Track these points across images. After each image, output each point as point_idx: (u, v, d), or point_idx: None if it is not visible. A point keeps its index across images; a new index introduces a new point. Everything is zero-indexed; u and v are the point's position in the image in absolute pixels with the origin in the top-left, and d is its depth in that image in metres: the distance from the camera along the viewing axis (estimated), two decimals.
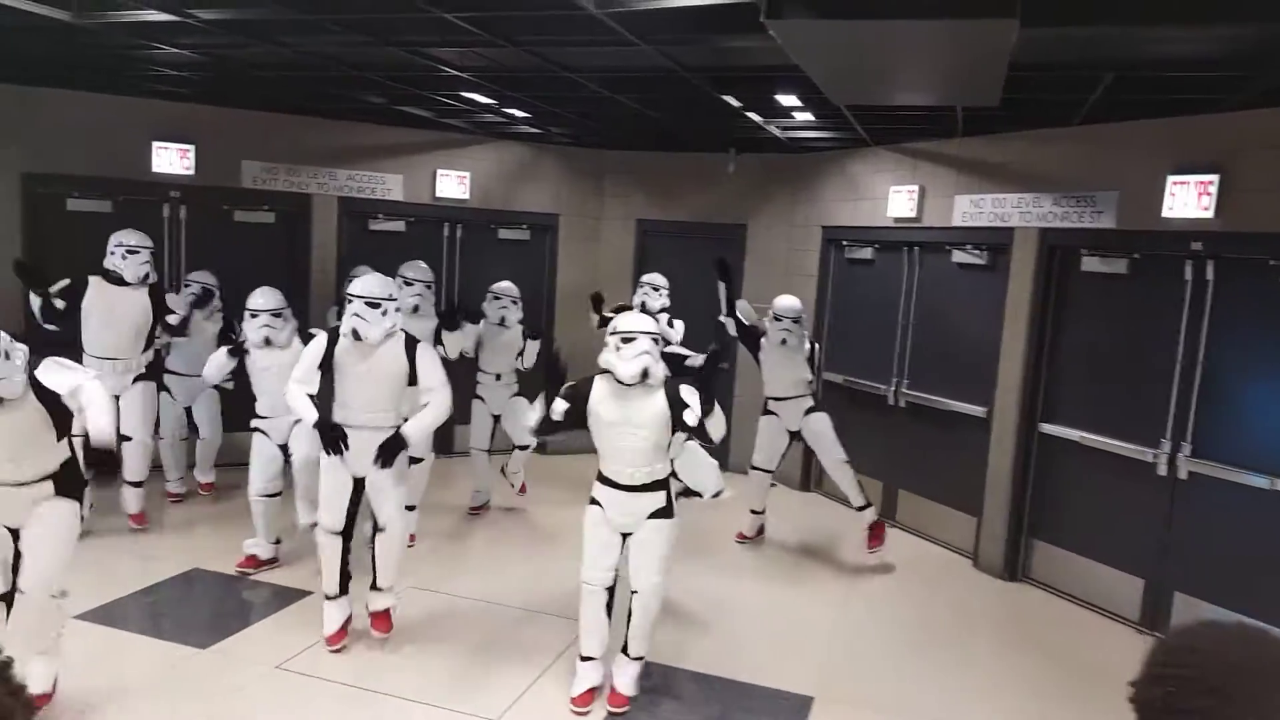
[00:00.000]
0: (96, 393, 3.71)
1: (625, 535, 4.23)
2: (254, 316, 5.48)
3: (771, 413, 6.41)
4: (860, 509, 6.27)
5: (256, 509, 5.52)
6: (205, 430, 6.68)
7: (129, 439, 5.95)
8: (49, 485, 3.71)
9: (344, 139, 7.81)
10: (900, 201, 6.90)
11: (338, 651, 4.60)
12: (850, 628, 5.36)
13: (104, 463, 3.77)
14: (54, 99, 6.78)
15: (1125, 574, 5.52)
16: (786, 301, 6.25)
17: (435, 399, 4.59)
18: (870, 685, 4.64)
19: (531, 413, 4.33)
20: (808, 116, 6.11)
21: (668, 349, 5.70)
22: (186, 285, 6.59)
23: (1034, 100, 5.02)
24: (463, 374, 6.77)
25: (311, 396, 4.53)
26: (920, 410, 6.94)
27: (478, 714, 4.07)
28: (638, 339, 4.06)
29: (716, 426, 4.09)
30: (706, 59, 4.72)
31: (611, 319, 4.59)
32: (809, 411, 6.32)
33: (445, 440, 7.74)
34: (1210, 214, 4.88)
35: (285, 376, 4.93)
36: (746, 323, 6.41)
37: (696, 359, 5.98)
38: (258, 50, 5.03)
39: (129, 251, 5.91)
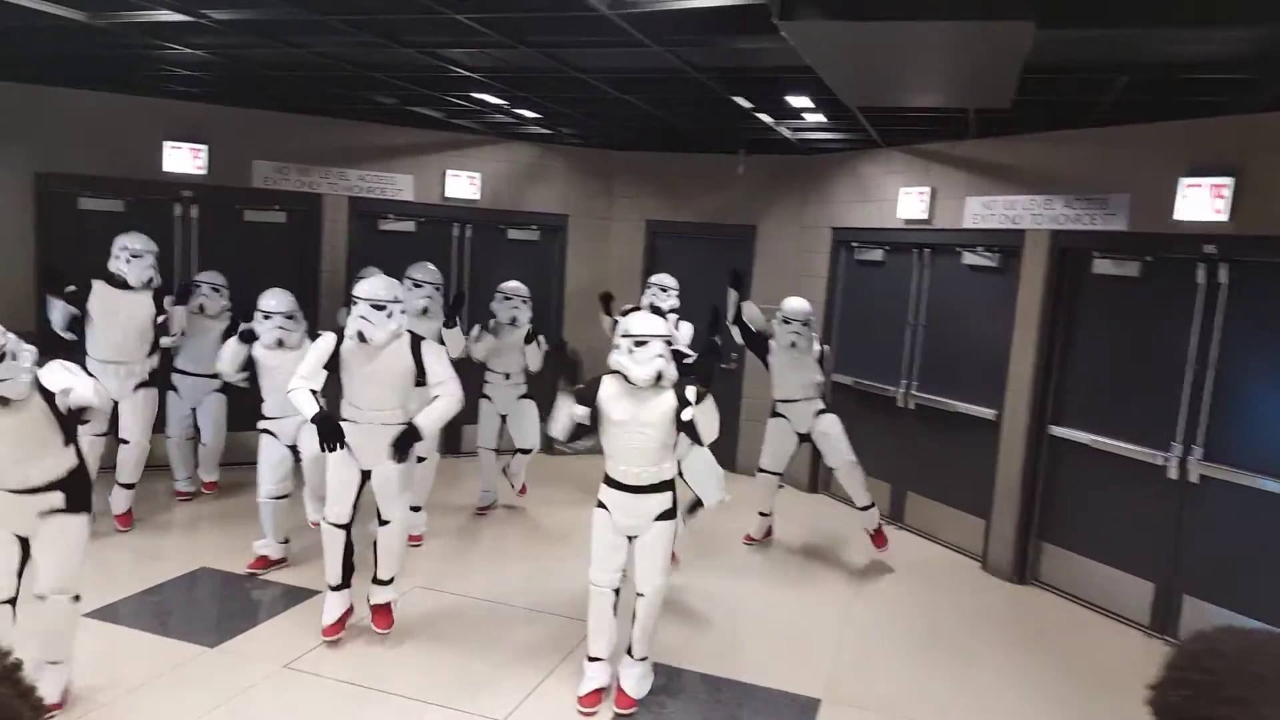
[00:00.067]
0: (85, 385, 3.72)
1: (631, 538, 4.23)
2: (267, 318, 5.49)
3: (780, 415, 6.39)
4: (864, 508, 6.26)
5: (265, 511, 5.54)
6: (207, 435, 6.67)
7: (126, 441, 5.98)
8: (58, 496, 3.71)
9: (355, 139, 7.83)
10: (911, 203, 6.88)
11: (334, 644, 4.62)
12: (858, 630, 5.35)
13: (79, 421, 3.78)
14: (67, 98, 6.81)
15: (1135, 578, 5.50)
16: (795, 304, 6.23)
17: (446, 390, 4.61)
18: (878, 687, 4.63)
19: (556, 424, 4.26)
20: (819, 118, 6.10)
21: (671, 348, 5.69)
22: (196, 286, 6.59)
23: (1047, 102, 5.01)
24: (471, 373, 6.80)
25: (314, 393, 4.55)
26: (929, 412, 6.92)
27: (485, 714, 4.07)
28: (651, 342, 4.06)
29: (708, 422, 4.06)
30: (717, 60, 4.72)
31: (620, 319, 4.59)
32: (819, 414, 6.30)
33: (452, 439, 7.76)
34: (1224, 217, 4.86)
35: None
36: (753, 329, 6.40)
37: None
38: (270, 50, 5.04)
39: (133, 255, 5.93)
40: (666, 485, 4.20)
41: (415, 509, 5.97)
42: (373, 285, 4.62)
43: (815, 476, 7.93)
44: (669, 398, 4.09)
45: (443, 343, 6.15)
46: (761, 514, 6.61)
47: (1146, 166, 5.30)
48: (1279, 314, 4.86)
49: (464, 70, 5.24)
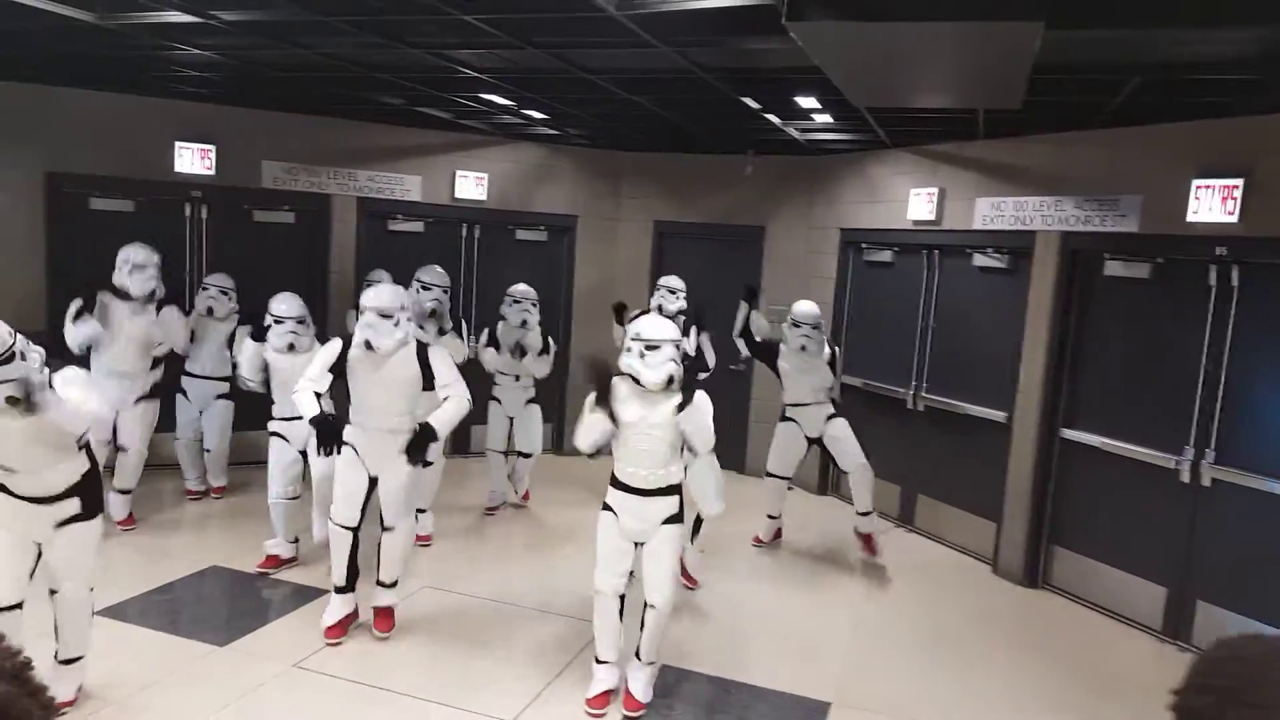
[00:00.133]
0: (92, 401, 3.66)
1: (637, 544, 4.21)
2: (279, 322, 5.51)
3: (790, 419, 6.37)
4: (863, 513, 6.25)
5: (276, 511, 5.56)
6: (211, 441, 6.66)
7: (124, 449, 6.00)
8: (75, 502, 3.71)
9: (363, 140, 7.85)
10: (920, 204, 6.86)
11: (336, 645, 4.64)
12: (867, 633, 5.33)
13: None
14: (77, 99, 6.85)
15: (1147, 581, 5.46)
16: (805, 307, 6.21)
17: (454, 392, 4.64)
18: (888, 691, 4.61)
19: (584, 437, 4.15)
20: (827, 118, 6.09)
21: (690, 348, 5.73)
22: (204, 289, 6.62)
23: (1057, 103, 4.98)
24: (481, 375, 6.80)
25: (318, 396, 4.57)
26: (939, 414, 6.90)
27: (493, 714, 4.07)
28: (663, 346, 4.06)
29: (697, 425, 4.03)
30: (726, 61, 4.71)
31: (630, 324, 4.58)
32: (830, 418, 6.28)
33: (461, 440, 7.78)
34: (1235, 218, 4.83)
35: None
36: (758, 338, 6.38)
37: (702, 347, 6.01)
38: (278, 52, 5.06)
39: (135, 268, 5.95)
40: (674, 489, 4.19)
41: (421, 511, 5.98)
42: (379, 295, 4.65)
43: (825, 479, 7.91)
44: (677, 399, 4.08)
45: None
46: (770, 517, 6.59)
47: (1157, 168, 5.26)
48: None
49: (472, 71, 5.24)
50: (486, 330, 6.87)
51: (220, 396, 6.60)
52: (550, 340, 6.88)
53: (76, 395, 3.56)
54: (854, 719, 4.31)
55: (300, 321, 5.55)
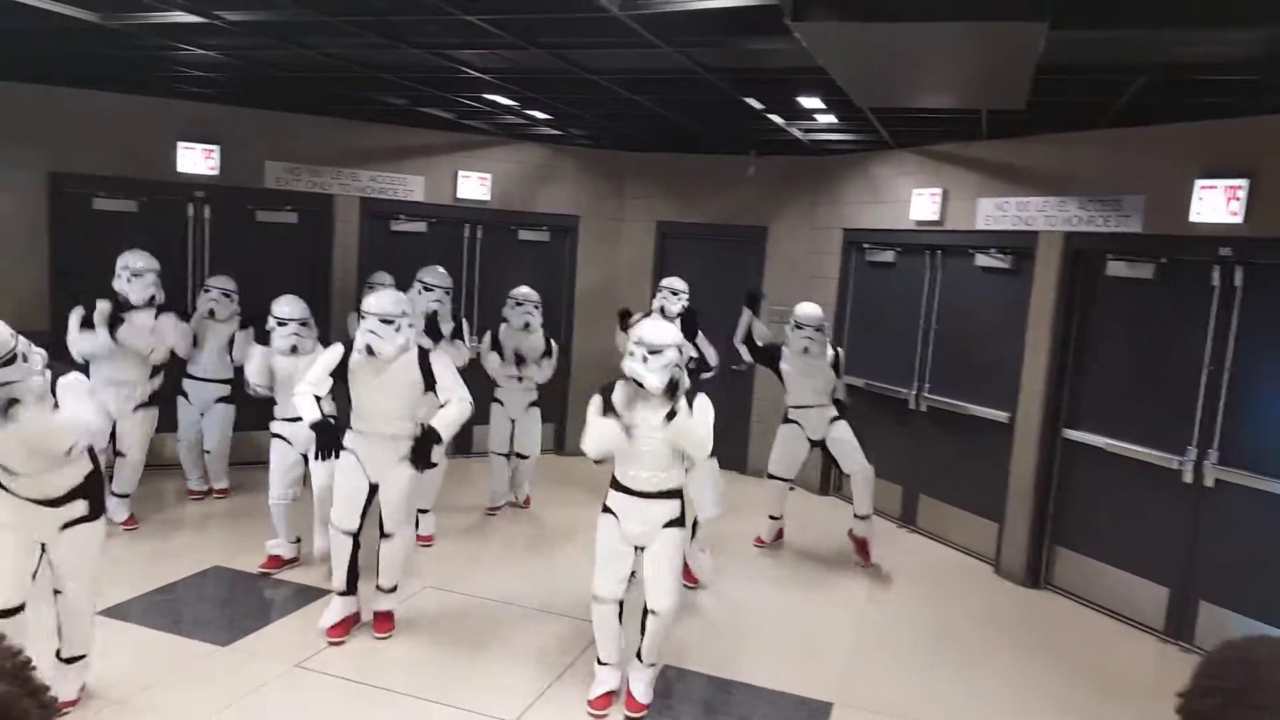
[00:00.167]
0: (88, 419, 3.62)
1: (638, 550, 4.19)
2: (282, 325, 5.51)
3: (793, 421, 6.36)
4: (861, 517, 6.26)
5: (276, 513, 5.56)
6: (211, 443, 6.65)
7: (122, 455, 6.00)
8: (81, 504, 3.72)
9: (366, 140, 7.85)
10: (923, 204, 6.86)
11: (338, 645, 4.64)
12: (869, 633, 5.33)
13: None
14: (81, 99, 6.85)
15: (1150, 582, 5.46)
16: (808, 309, 6.20)
17: (455, 395, 4.65)
18: (890, 692, 4.60)
19: (593, 443, 4.11)
20: (830, 119, 6.08)
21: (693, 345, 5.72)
22: (206, 290, 6.62)
23: (1061, 103, 4.98)
24: (481, 375, 6.81)
25: (318, 399, 4.58)
26: (942, 415, 6.89)
27: (496, 715, 4.07)
28: (665, 351, 4.05)
29: (687, 433, 4.00)
30: (729, 61, 4.71)
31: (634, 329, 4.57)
32: (833, 420, 6.28)
33: (463, 440, 7.77)
34: (1239, 219, 4.82)
35: None
36: (760, 343, 6.37)
37: (700, 348, 6.00)
38: (282, 52, 5.06)
39: (134, 275, 5.95)
40: (675, 492, 4.18)
41: (423, 511, 5.99)
42: (380, 300, 4.65)
43: (826, 479, 7.91)
44: (682, 404, 4.08)
45: (455, 336, 6.23)
46: (772, 518, 6.59)
47: (1161, 168, 5.26)
48: None
49: (475, 71, 5.24)
50: (489, 333, 6.87)
51: (221, 400, 6.58)
52: (553, 343, 6.89)
53: (69, 407, 3.53)
54: (856, 719, 4.31)
55: (303, 323, 5.55)
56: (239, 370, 6.27)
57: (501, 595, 5.42)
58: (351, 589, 4.76)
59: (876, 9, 3.08)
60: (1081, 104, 5.09)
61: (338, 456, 4.63)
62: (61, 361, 3.79)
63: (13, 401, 3.35)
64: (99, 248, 6.24)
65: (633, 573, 4.23)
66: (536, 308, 6.78)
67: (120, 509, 6.02)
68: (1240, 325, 5.03)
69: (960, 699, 4.57)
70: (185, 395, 6.58)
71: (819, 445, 6.35)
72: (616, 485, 4.20)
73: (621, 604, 4.23)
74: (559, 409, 8.44)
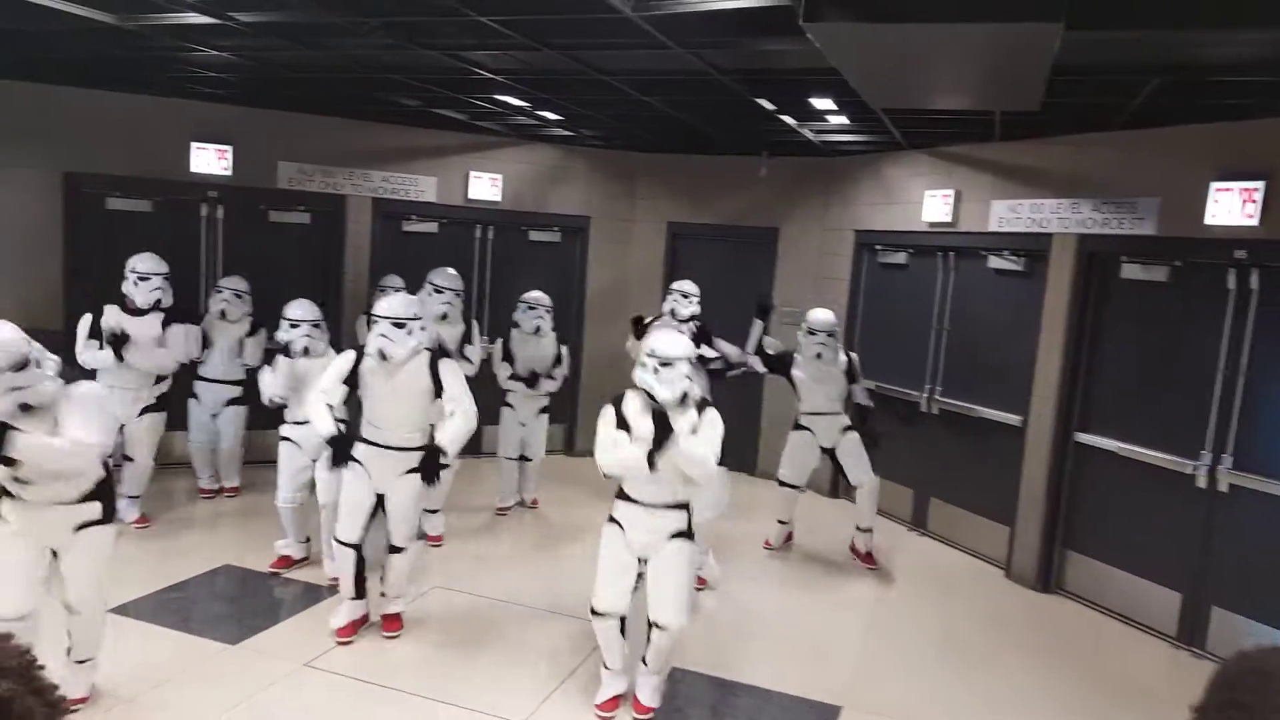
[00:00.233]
0: (97, 437, 3.60)
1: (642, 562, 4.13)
2: (294, 326, 5.52)
3: (804, 428, 6.34)
4: (864, 529, 6.26)
5: (284, 515, 5.57)
6: (227, 442, 6.68)
7: (130, 460, 6.03)
8: (95, 506, 3.72)
9: (378, 141, 7.87)
10: (935, 206, 6.83)
11: (345, 644, 4.65)
12: (879, 637, 5.30)
13: None
14: (95, 100, 6.89)
15: (1162, 587, 5.42)
16: (821, 315, 6.18)
17: (461, 408, 4.62)
18: (899, 695, 4.58)
19: (611, 460, 4.03)
20: (842, 120, 6.07)
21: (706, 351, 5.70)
22: (218, 290, 6.63)
23: (1075, 104, 4.95)
24: (491, 379, 6.81)
25: (330, 408, 4.58)
26: (953, 417, 6.86)
27: (504, 715, 4.07)
28: (676, 364, 4.02)
29: (688, 457, 3.92)
30: (741, 62, 4.70)
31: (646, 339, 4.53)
32: (845, 430, 6.26)
33: (473, 441, 7.73)
34: (1255, 221, 4.78)
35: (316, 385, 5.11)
36: (771, 353, 6.34)
37: (724, 347, 5.98)
38: (295, 53, 5.08)
39: (140, 278, 5.97)
40: (684, 505, 4.13)
41: (432, 511, 6.00)
42: (391, 304, 4.65)
43: (836, 482, 7.87)
44: (692, 416, 4.06)
45: (463, 348, 6.23)
46: (781, 522, 6.57)
47: (1176, 170, 5.22)
48: None
49: (487, 72, 5.25)
50: (500, 341, 6.86)
51: (232, 401, 6.60)
52: (563, 349, 6.89)
53: (74, 427, 3.49)
54: None
55: (315, 325, 5.56)
56: (250, 372, 6.29)
57: (510, 595, 5.42)
58: (360, 594, 4.77)
59: (890, 10, 3.07)
60: (1096, 105, 5.06)
61: (349, 464, 4.62)
62: (73, 367, 3.78)
63: (6, 428, 3.31)
64: (113, 247, 6.28)
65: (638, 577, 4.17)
66: (548, 312, 6.78)
67: (131, 509, 6.04)
68: (1256, 329, 4.99)
69: (970, 703, 4.54)
70: (196, 396, 6.60)
71: (829, 453, 6.33)
72: (623, 496, 4.16)
73: (624, 618, 4.17)
74: (569, 411, 8.44)
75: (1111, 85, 4.54)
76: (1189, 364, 5.30)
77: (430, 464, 4.55)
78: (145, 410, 6.02)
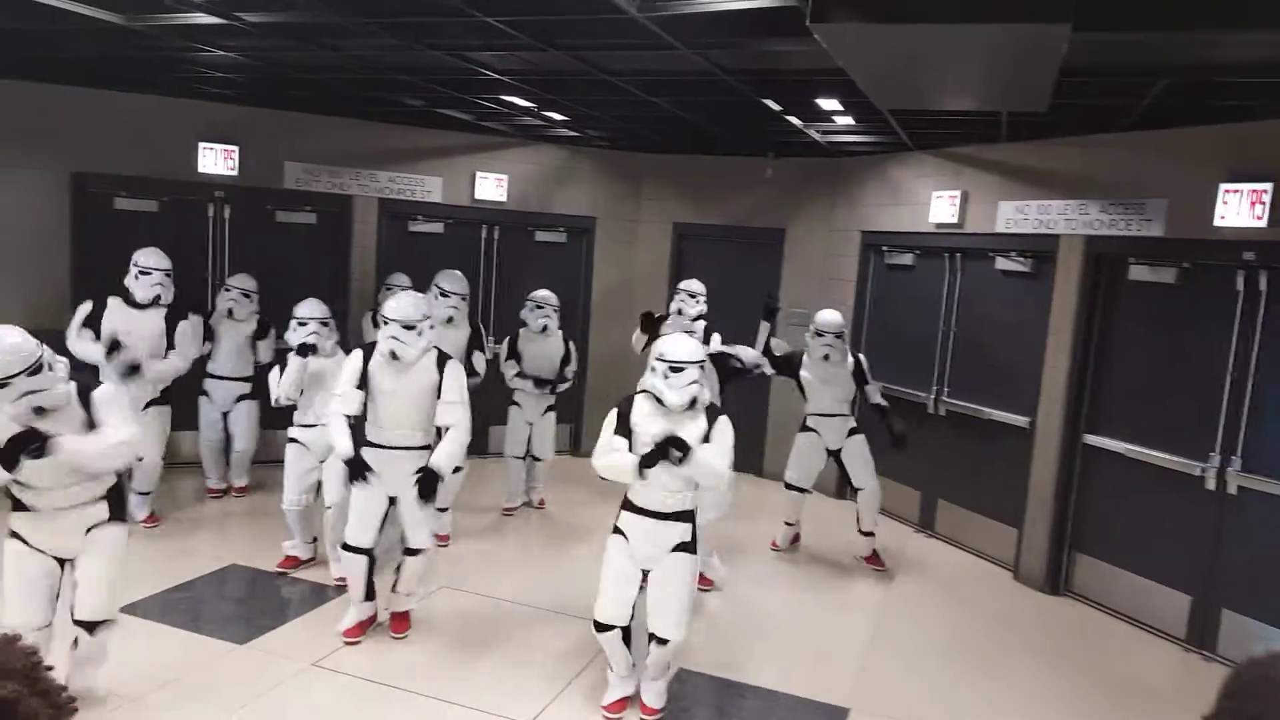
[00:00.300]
0: (128, 433, 3.61)
1: (645, 574, 4.11)
2: (303, 324, 5.52)
3: (811, 429, 6.33)
4: (866, 533, 6.26)
5: (290, 517, 5.58)
6: (241, 442, 6.69)
7: (139, 458, 6.01)
8: (104, 506, 3.72)
9: (385, 141, 7.88)
10: (942, 207, 6.81)
11: (353, 644, 4.66)
12: (886, 638, 5.29)
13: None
14: (103, 100, 6.91)
15: (1171, 590, 5.40)
16: (829, 316, 6.17)
17: (456, 419, 4.60)
18: (907, 698, 4.57)
19: (610, 465, 4.05)
20: (849, 121, 6.06)
21: (715, 350, 5.66)
22: (226, 290, 6.65)
23: (1082, 105, 4.93)
24: (499, 378, 6.81)
25: (350, 422, 4.57)
26: (961, 419, 6.84)
27: (511, 716, 4.07)
28: (687, 369, 4.01)
29: (711, 470, 3.96)
30: (747, 63, 4.69)
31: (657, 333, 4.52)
32: (851, 432, 6.26)
33: (479, 441, 7.78)
34: (1264, 223, 4.76)
35: (325, 386, 5.21)
36: (779, 354, 6.33)
37: (742, 351, 5.96)
38: (302, 53, 5.09)
39: (141, 273, 5.96)
40: (689, 515, 4.11)
41: (441, 509, 6.00)
42: (402, 305, 4.63)
43: (843, 484, 7.84)
44: (703, 422, 4.04)
45: (472, 349, 6.22)
46: (788, 524, 6.56)
47: (1184, 171, 5.20)
48: None
49: (493, 73, 5.25)
50: (508, 339, 6.86)
51: (243, 397, 6.62)
52: (571, 346, 6.89)
53: (115, 424, 3.53)
54: None
55: (323, 323, 5.57)
56: (260, 368, 6.29)
57: (517, 596, 5.42)
58: (370, 595, 4.77)
59: (897, 11, 3.06)
60: (1104, 106, 5.04)
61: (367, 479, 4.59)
62: (83, 372, 3.77)
63: (41, 439, 3.32)
64: (120, 247, 6.28)
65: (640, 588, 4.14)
66: (556, 311, 6.78)
67: (141, 506, 6.05)
68: (1264, 330, 4.97)
69: (977, 706, 4.53)
70: (207, 394, 6.62)
71: (835, 455, 6.32)
72: (628, 505, 4.14)
73: (628, 629, 4.15)
74: (575, 411, 8.44)
75: (1119, 86, 4.53)
76: (1197, 366, 5.28)
77: (427, 484, 4.54)
78: (150, 404, 6.01)
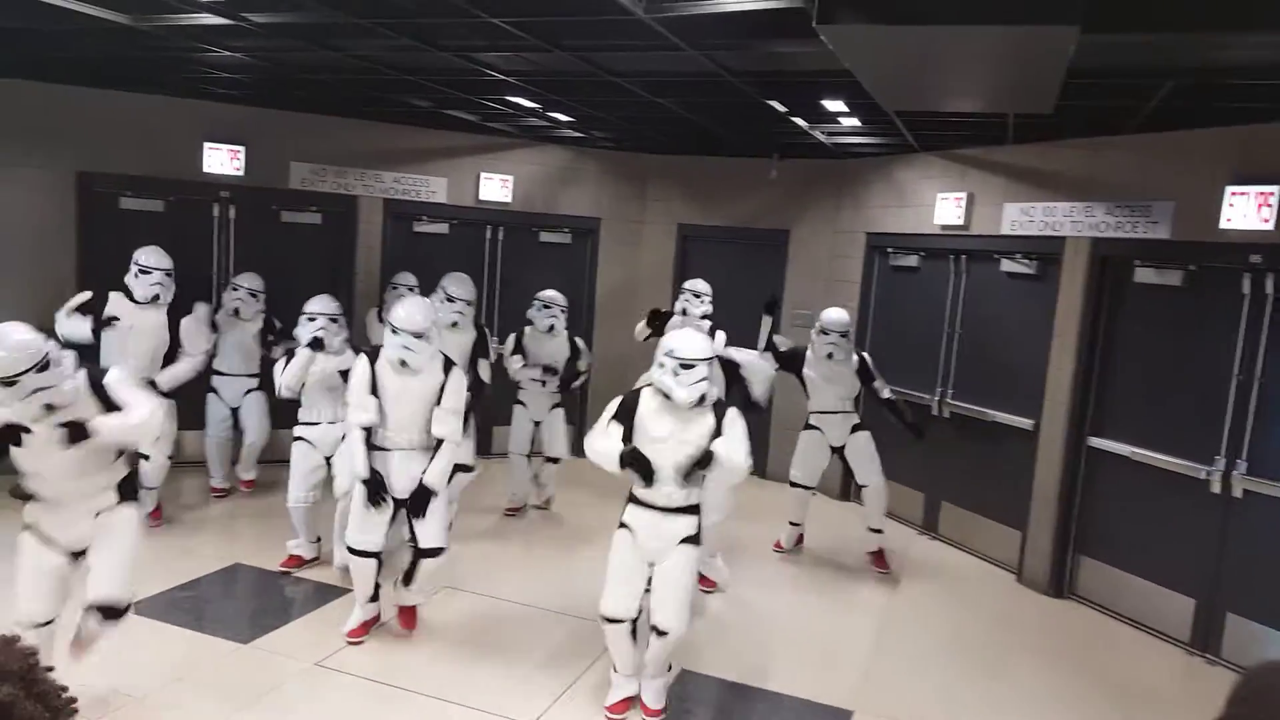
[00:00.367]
0: (147, 414, 3.66)
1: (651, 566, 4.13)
2: (312, 320, 5.53)
3: (815, 428, 6.32)
4: (874, 531, 6.25)
5: (295, 515, 5.58)
6: (252, 435, 6.70)
7: (145, 457, 6.01)
8: (111, 495, 3.75)
9: (390, 142, 7.89)
10: (948, 209, 6.80)
11: (357, 644, 4.66)
12: (890, 641, 5.28)
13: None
14: (109, 100, 6.93)
15: (1175, 593, 5.38)
16: (834, 314, 6.16)
17: (447, 430, 4.60)
18: (910, 700, 4.57)
19: (601, 452, 4.10)
20: (854, 122, 6.05)
21: (721, 352, 5.66)
22: (233, 289, 6.65)
23: (1089, 107, 4.92)
24: (504, 376, 6.81)
25: (368, 437, 4.58)
26: (965, 421, 6.83)
27: (514, 717, 4.07)
28: (697, 366, 4.00)
29: (736, 469, 4.01)
30: (753, 64, 4.69)
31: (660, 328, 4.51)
32: (855, 429, 6.24)
33: (483, 441, 7.78)
34: (1270, 226, 4.75)
35: (331, 384, 5.27)
36: (782, 349, 6.32)
37: (746, 353, 5.95)
38: (308, 54, 5.09)
39: (141, 271, 5.94)
40: (694, 509, 4.13)
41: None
42: (411, 315, 4.58)
43: (847, 485, 7.85)
44: (710, 420, 4.04)
45: (477, 355, 6.20)
46: (792, 524, 6.55)
47: (1191, 174, 5.19)
48: None
49: (498, 74, 5.25)
50: (513, 336, 6.86)
51: (251, 391, 6.64)
52: (578, 341, 6.88)
53: (138, 400, 3.61)
54: None
55: (332, 319, 5.57)
56: (268, 363, 6.29)
57: (520, 597, 5.42)
58: (375, 597, 4.77)
59: (904, 12, 3.05)
60: (1110, 108, 5.03)
61: (385, 502, 4.59)
62: (89, 363, 3.79)
63: (83, 426, 3.41)
64: (126, 247, 6.28)
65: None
66: (563, 311, 6.77)
67: (146, 500, 6.05)
68: (1271, 334, 4.95)
69: (981, 708, 4.52)
70: (215, 392, 6.63)
71: (839, 453, 6.31)
72: (634, 500, 4.15)
73: (634, 622, 4.16)
74: (578, 411, 8.43)
75: (1126, 88, 4.52)
76: (1203, 368, 5.27)
77: (419, 501, 4.56)
78: None
